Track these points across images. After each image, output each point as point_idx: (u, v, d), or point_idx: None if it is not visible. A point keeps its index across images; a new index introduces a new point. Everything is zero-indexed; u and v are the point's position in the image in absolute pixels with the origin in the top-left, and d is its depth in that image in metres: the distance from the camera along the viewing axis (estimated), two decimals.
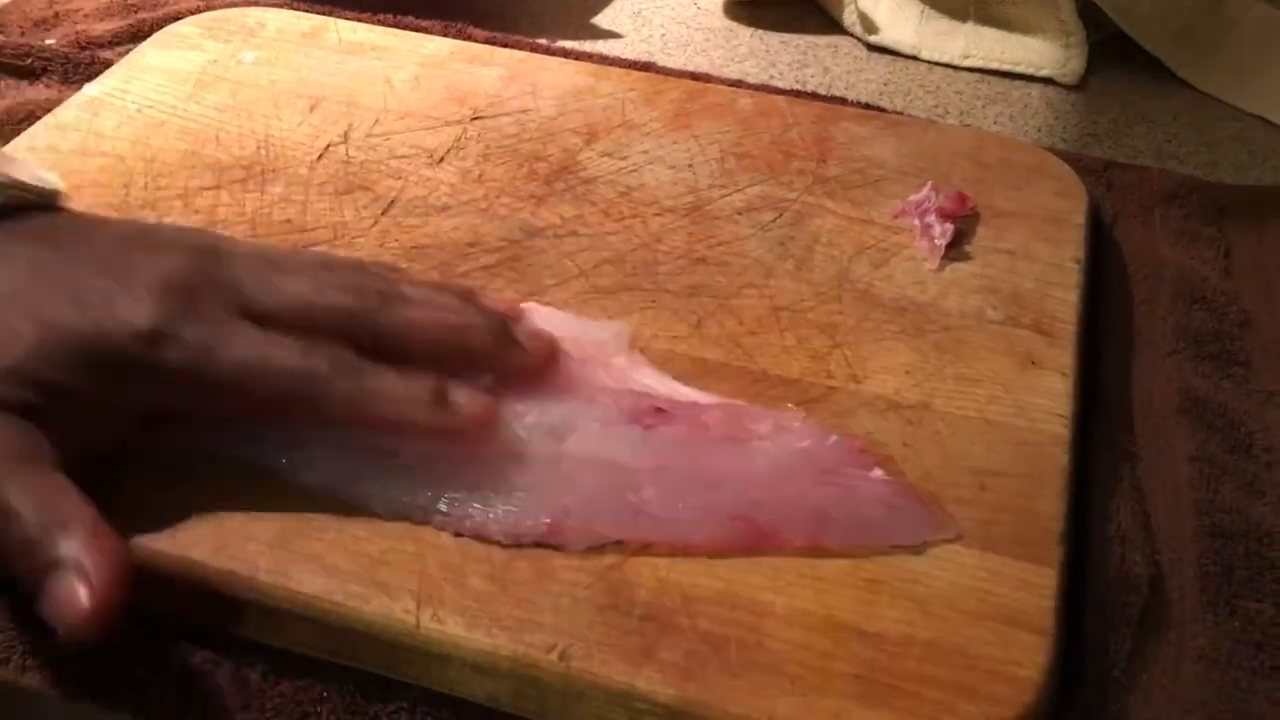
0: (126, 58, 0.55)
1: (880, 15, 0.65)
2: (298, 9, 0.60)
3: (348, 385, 0.34)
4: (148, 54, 0.55)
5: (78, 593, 0.30)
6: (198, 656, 0.34)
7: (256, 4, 0.60)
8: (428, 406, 0.35)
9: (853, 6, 0.64)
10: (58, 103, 0.53)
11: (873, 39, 0.65)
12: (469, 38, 0.59)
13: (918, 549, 0.35)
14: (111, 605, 0.30)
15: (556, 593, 0.33)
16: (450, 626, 0.32)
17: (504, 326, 0.38)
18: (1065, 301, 0.43)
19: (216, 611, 0.34)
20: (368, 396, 0.35)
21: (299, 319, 0.35)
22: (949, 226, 0.45)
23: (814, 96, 0.56)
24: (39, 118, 0.52)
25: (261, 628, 0.34)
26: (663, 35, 0.65)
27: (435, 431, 0.35)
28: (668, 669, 0.32)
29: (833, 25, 0.66)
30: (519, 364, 0.37)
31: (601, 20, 0.67)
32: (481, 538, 0.34)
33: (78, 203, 0.45)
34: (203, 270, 0.35)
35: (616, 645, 0.32)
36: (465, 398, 0.35)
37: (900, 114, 0.56)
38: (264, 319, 0.35)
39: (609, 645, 0.32)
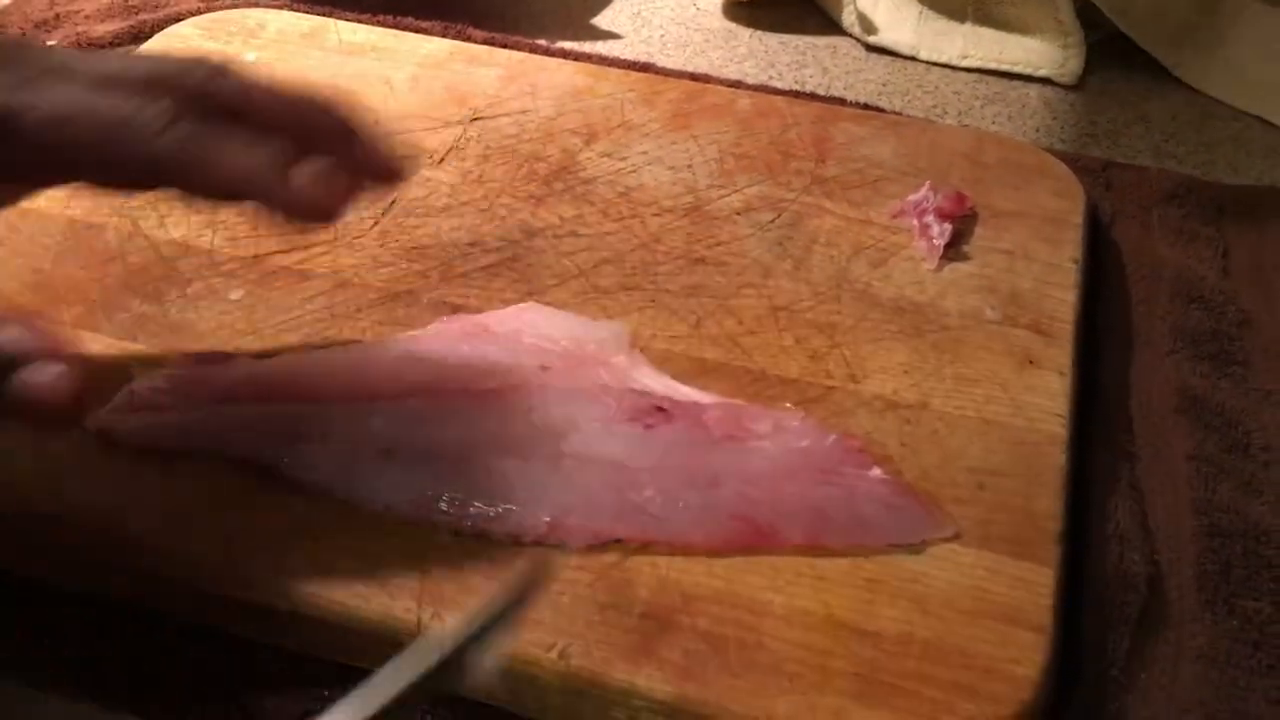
0: None
1: (879, 16, 0.65)
2: (297, 10, 0.60)
3: (179, 135, 0.32)
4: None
5: (56, 374, 0.30)
6: (199, 656, 0.34)
7: (256, 5, 0.60)
8: (269, 172, 0.33)
9: (851, 7, 0.65)
10: None
11: (871, 39, 0.65)
12: (468, 38, 0.59)
13: (916, 548, 0.35)
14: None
15: (557, 591, 0.33)
16: (451, 625, 0.33)
17: (348, 118, 0.35)
18: (1063, 301, 0.43)
19: (218, 611, 0.34)
20: (202, 150, 0.32)
21: (126, 80, 0.33)
22: (947, 226, 0.45)
23: (813, 97, 0.56)
24: None
25: (263, 628, 0.34)
26: (662, 36, 0.65)
27: (276, 201, 0.33)
28: (667, 667, 0.32)
29: (831, 26, 0.66)
30: (362, 153, 0.35)
31: (601, 21, 0.67)
32: (482, 536, 0.35)
33: (78, 204, 0.46)
34: (26, 41, 0.34)
35: (616, 644, 0.32)
36: (309, 172, 0.33)
37: (899, 114, 0.56)
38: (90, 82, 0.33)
39: (609, 644, 0.32)
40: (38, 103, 0.32)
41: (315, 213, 0.34)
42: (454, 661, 0.27)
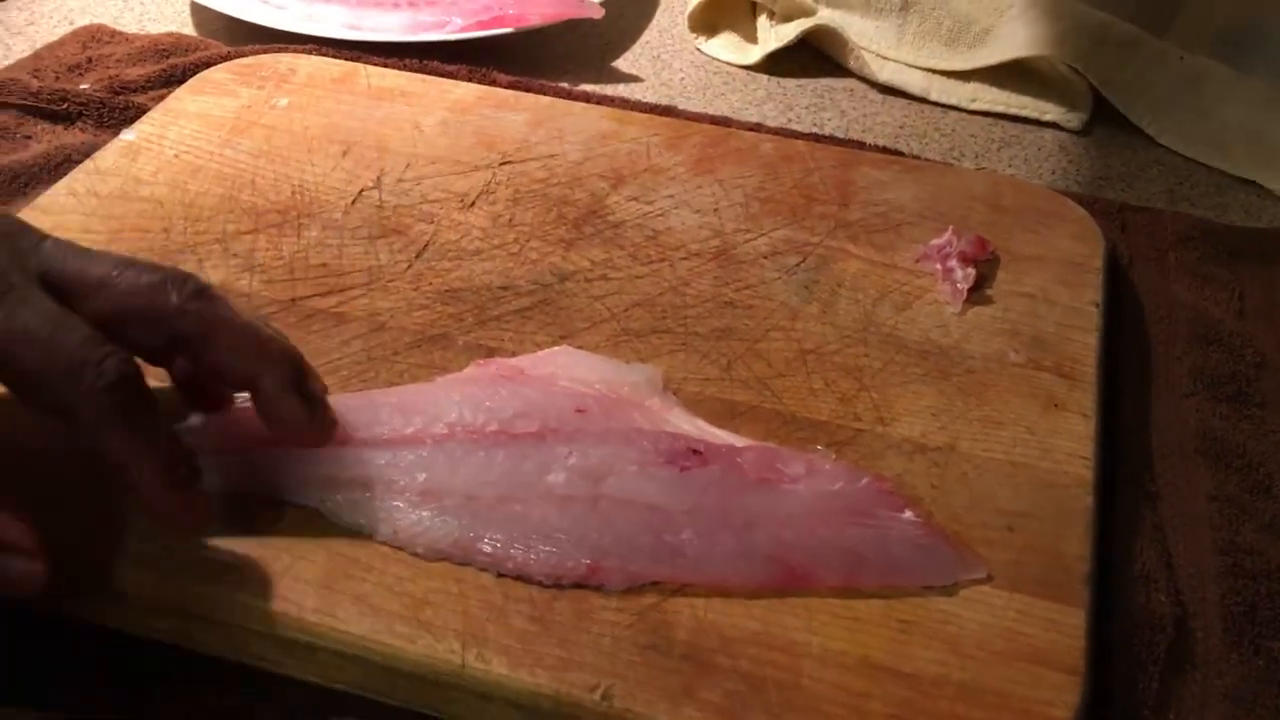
0: (162, 103, 0.56)
1: (886, 73, 0.66)
2: (325, 54, 0.61)
3: (113, 401, 0.33)
4: (183, 99, 0.56)
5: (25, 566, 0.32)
6: (244, 695, 0.35)
7: (285, 50, 0.61)
8: (157, 486, 0.34)
9: (857, 52, 0.66)
10: (93, 147, 0.54)
11: (883, 78, 0.66)
12: (493, 82, 0.60)
13: (949, 590, 0.35)
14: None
15: (597, 632, 0.34)
16: (495, 666, 0.33)
17: (299, 374, 0.37)
18: (1085, 345, 0.44)
19: (263, 650, 0.35)
20: (123, 428, 0.34)
21: (94, 292, 0.35)
22: (971, 271, 0.46)
23: (833, 140, 0.58)
24: (75, 162, 0.53)
25: (307, 667, 0.35)
26: (682, 79, 0.67)
27: (149, 506, 0.35)
28: (708, 708, 0.32)
29: (846, 68, 0.67)
30: (291, 417, 0.37)
31: (622, 64, 0.68)
32: (523, 578, 0.35)
33: (119, 246, 0.47)
34: (20, 227, 0.36)
35: (657, 684, 0.33)
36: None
37: (918, 158, 0.57)
38: (61, 286, 0.35)
39: (650, 684, 0.33)
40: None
41: (179, 526, 0.36)
42: None
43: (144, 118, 0.55)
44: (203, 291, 0.36)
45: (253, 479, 0.38)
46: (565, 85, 0.63)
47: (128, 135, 0.53)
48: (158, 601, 0.35)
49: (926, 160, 0.57)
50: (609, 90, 0.64)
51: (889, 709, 0.32)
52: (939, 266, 0.47)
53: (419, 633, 0.34)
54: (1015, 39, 0.64)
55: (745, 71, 0.68)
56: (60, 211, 0.48)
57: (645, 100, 0.62)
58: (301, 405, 0.37)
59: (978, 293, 0.46)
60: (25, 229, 0.37)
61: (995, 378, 0.43)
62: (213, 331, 0.36)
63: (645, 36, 0.71)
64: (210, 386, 0.39)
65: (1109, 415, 0.44)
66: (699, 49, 0.69)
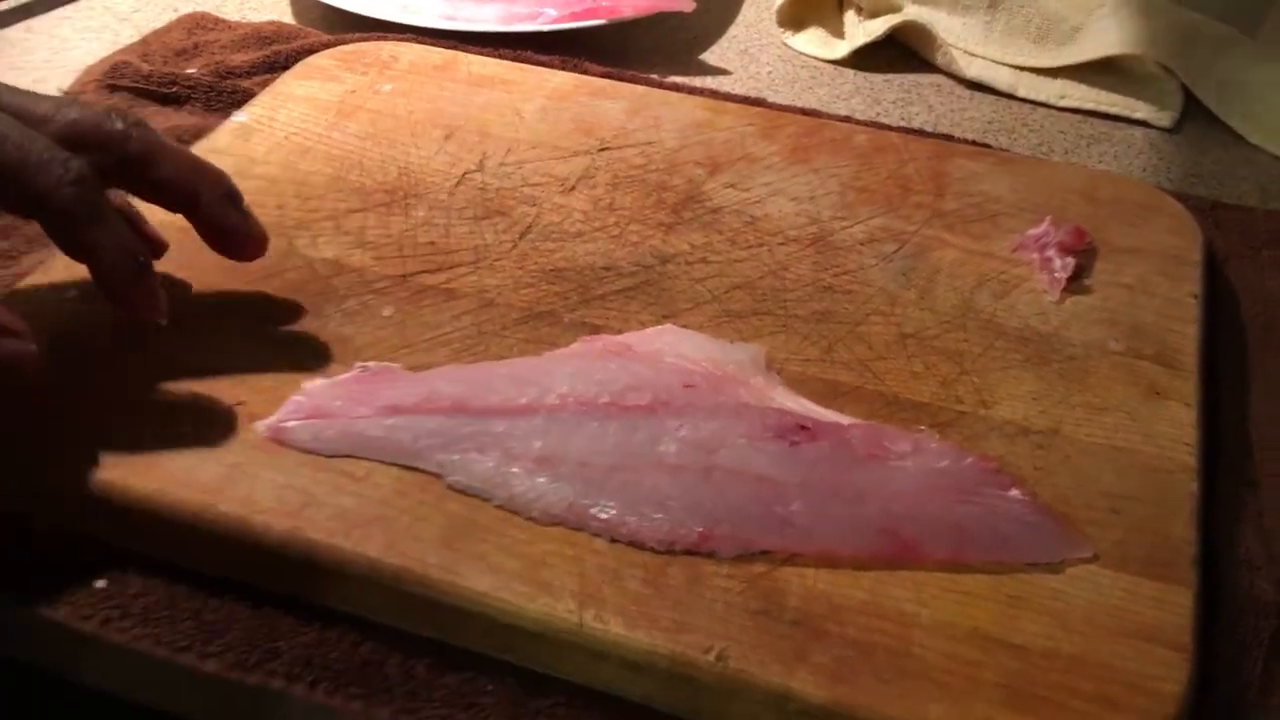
0: (270, 87, 0.58)
1: (973, 69, 0.66)
2: (424, 43, 0.63)
3: (79, 193, 0.37)
4: (290, 84, 0.58)
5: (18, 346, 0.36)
6: (367, 648, 0.36)
7: (384, 39, 0.63)
8: (123, 269, 0.38)
9: (944, 48, 0.66)
10: (202, 128, 0.56)
11: (970, 74, 0.66)
12: (585, 73, 0.62)
13: (1055, 567, 0.36)
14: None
15: (710, 598, 0.35)
16: (611, 626, 0.34)
17: (233, 192, 0.42)
18: (1185, 335, 0.44)
19: (386, 606, 0.36)
20: (87, 216, 0.38)
21: (47, 121, 0.39)
22: (1069, 260, 0.46)
23: (923, 133, 0.58)
24: (186, 142, 0.55)
25: (428, 623, 0.36)
26: (770, 73, 0.68)
27: (118, 296, 0.39)
28: (820, 672, 0.33)
29: (933, 64, 0.68)
30: (235, 227, 0.42)
31: (709, 57, 0.69)
32: (636, 544, 0.36)
33: None
34: None
35: (770, 648, 0.34)
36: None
37: (1009, 152, 0.57)
38: (16, 115, 0.38)
39: (763, 648, 0.34)
40: None
41: (138, 315, 0.40)
42: None
43: (254, 100, 0.57)
44: (141, 121, 0.41)
45: (373, 444, 0.39)
46: (655, 77, 0.64)
47: (240, 117, 0.55)
48: (285, 555, 0.37)
49: (1019, 154, 0.58)
50: (697, 83, 0.65)
51: (1000, 678, 0.33)
52: (1036, 256, 0.47)
53: (537, 592, 0.35)
54: (1106, 37, 0.64)
55: (832, 66, 0.68)
56: None
57: (735, 93, 0.63)
58: (239, 213, 0.42)
59: (1076, 282, 0.47)
60: None
61: (1096, 364, 0.43)
62: (157, 151, 0.41)
63: (732, 30, 0.72)
64: (154, 203, 0.43)
65: (1208, 408, 0.44)
66: (786, 44, 0.70)
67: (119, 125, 0.40)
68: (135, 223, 0.44)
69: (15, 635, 0.39)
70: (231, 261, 0.44)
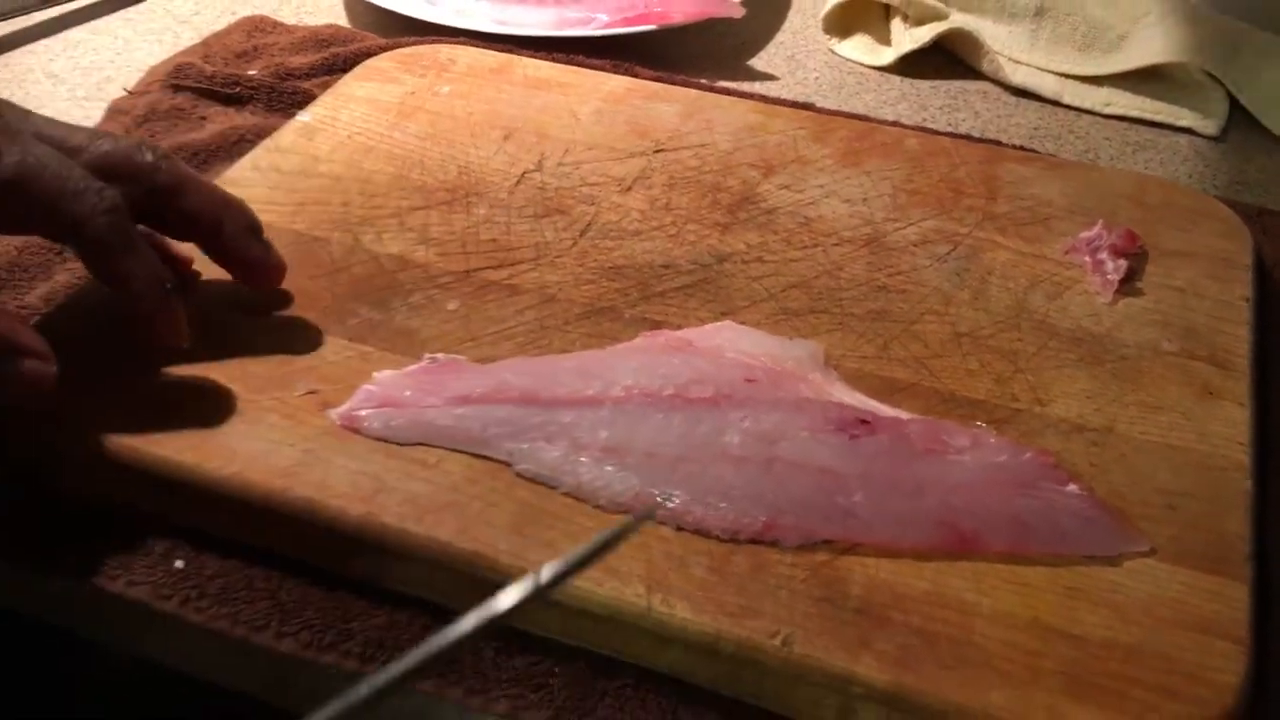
0: (332, 88, 0.59)
1: (1019, 76, 0.67)
2: (479, 46, 0.64)
3: (112, 223, 0.39)
4: (351, 85, 0.59)
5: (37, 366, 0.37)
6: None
7: (441, 42, 0.64)
8: (152, 295, 0.40)
9: (991, 55, 0.67)
10: (264, 128, 0.58)
11: (1016, 81, 0.67)
12: (636, 76, 0.63)
13: (1113, 560, 0.37)
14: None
15: (774, 585, 0.36)
16: (678, 610, 0.35)
17: (254, 224, 0.44)
18: (1237, 337, 0.45)
19: (456, 590, 0.37)
20: (120, 245, 0.39)
21: (80, 152, 0.40)
22: (1122, 263, 0.47)
23: (972, 138, 0.59)
24: (249, 142, 0.57)
25: None
26: (817, 79, 0.68)
27: (144, 320, 0.40)
28: (884, 658, 0.34)
29: (978, 70, 0.69)
30: (257, 259, 0.44)
31: (757, 63, 0.70)
32: (702, 532, 0.37)
33: (303, 217, 0.50)
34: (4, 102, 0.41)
35: (834, 635, 0.35)
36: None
37: (1058, 157, 0.58)
38: (52, 146, 0.40)
39: (827, 634, 0.35)
40: (15, 153, 0.38)
41: (164, 343, 0.41)
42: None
43: (316, 101, 0.58)
44: (169, 154, 0.43)
45: (444, 433, 0.40)
46: (704, 82, 0.65)
47: (303, 117, 0.57)
48: (358, 539, 0.38)
49: (1069, 159, 0.58)
50: (745, 88, 0.66)
51: (1060, 667, 0.34)
52: (1088, 259, 0.48)
53: (606, 576, 0.36)
54: (1152, 45, 0.65)
55: (878, 73, 0.69)
56: (246, 185, 0.51)
57: (784, 98, 0.64)
58: (261, 245, 0.44)
59: (1127, 285, 0.47)
60: (10, 103, 0.42)
61: (1149, 365, 0.44)
62: (185, 183, 0.43)
63: (779, 37, 0.73)
64: (176, 236, 0.45)
65: (1259, 409, 0.44)
66: (832, 50, 0.71)
67: (149, 157, 0.42)
68: (163, 250, 0.45)
69: (88, 613, 0.40)
70: (301, 255, 0.45)
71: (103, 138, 0.42)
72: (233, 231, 0.44)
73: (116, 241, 0.39)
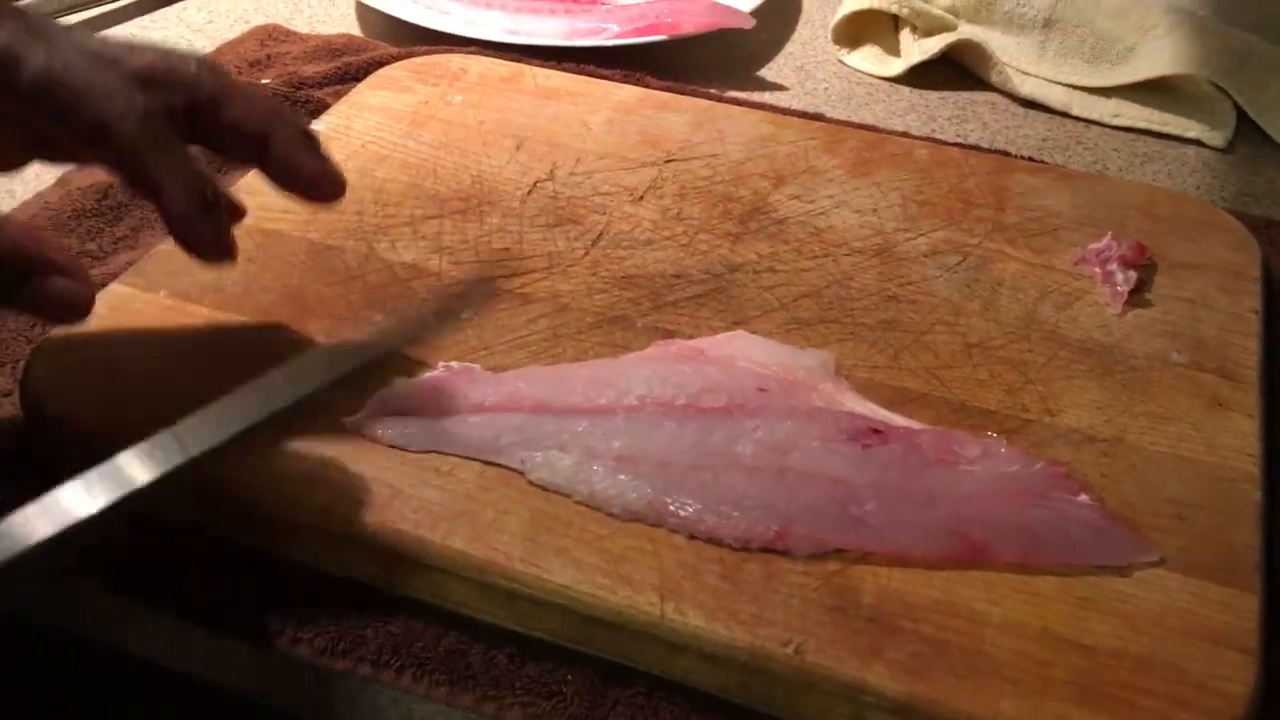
0: (345, 97, 0.60)
1: (1027, 88, 0.68)
2: (490, 55, 0.65)
3: (150, 128, 0.36)
4: (364, 94, 0.59)
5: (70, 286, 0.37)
6: (450, 638, 0.38)
7: (453, 51, 0.65)
8: (192, 202, 0.37)
9: (999, 67, 0.68)
10: None
11: (1025, 93, 0.67)
12: (646, 86, 0.63)
13: (1123, 570, 0.37)
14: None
15: (786, 593, 0.36)
16: (691, 618, 0.35)
17: (308, 133, 0.41)
18: (1246, 349, 0.45)
19: (469, 597, 0.37)
20: (159, 152, 0.37)
21: (118, 62, 0.37)
22: (1132, 274, 0.47)
23: (982, 149, 0.59)
24: None
25: (510, 614, 0.37)
26: (826, 89, 0.69)
27: (181, 231, 0.37)
28: (895, 667, 0.34)
29: (987, 82, 0.69)
30: (312, 171, 0.40)
31: (767, 73, 0.70)
32: (714, 541, 0.37)
33: (318, 224, 0.50)
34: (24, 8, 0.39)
35: (845, 643, 0.35)
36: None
37: (1067, 168, 0.58)
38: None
39: (839, 643, 0.35)
40: (41, 54, 0.36)
41: (207, 255, 0.38)
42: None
43: (330, 110, 0.59)
44: (217, 66, 0.40)
45: (457, 441, 0.40)
46: (714, 92, 0.66)
47: (317, 125, 0.57)
48: (373, 546, 0.38)
49: (1078, 170, 0.59)
50: (755, 98, 0.66)
51: (1071, 676, 0.34)
52: (1098, 270, 0.48)
53: (619, 585, 0.36)
54: (1160, 57, 0.65)
55: (888, 83, 0.69)
56: (262, 192, 0.51)
57: (794, 108, 0.64)
58: (315, 155, 0.40)
59: (1137, 296, 0.47)
60: (45, 17, 0.39)
61: (1159, 376, 0.44)
62: (229, 91, 0.39)
63: (789, 48, 0.73)
64: (227, 154, 0.42)
65: (1268, 422, 0.45)
66: (842, 61, 0.71)
67: (192, 68, 0.39)
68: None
69: (88, 613, 0.41)
70: (316, 264, 0.45)
71: (146, 49, 0.39)
72: (284, 140, 0.40)
73: (149, 142, 0.37)
